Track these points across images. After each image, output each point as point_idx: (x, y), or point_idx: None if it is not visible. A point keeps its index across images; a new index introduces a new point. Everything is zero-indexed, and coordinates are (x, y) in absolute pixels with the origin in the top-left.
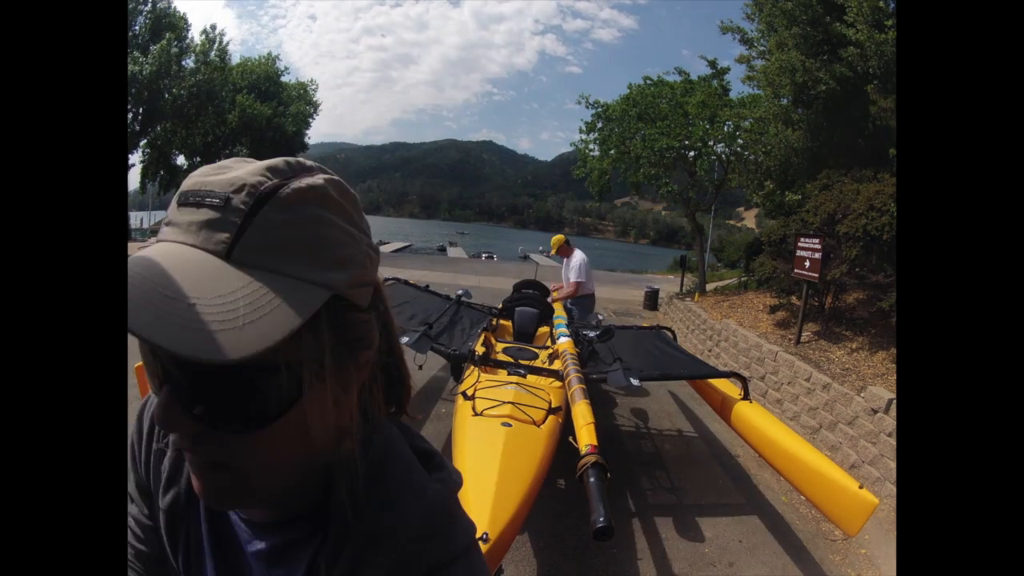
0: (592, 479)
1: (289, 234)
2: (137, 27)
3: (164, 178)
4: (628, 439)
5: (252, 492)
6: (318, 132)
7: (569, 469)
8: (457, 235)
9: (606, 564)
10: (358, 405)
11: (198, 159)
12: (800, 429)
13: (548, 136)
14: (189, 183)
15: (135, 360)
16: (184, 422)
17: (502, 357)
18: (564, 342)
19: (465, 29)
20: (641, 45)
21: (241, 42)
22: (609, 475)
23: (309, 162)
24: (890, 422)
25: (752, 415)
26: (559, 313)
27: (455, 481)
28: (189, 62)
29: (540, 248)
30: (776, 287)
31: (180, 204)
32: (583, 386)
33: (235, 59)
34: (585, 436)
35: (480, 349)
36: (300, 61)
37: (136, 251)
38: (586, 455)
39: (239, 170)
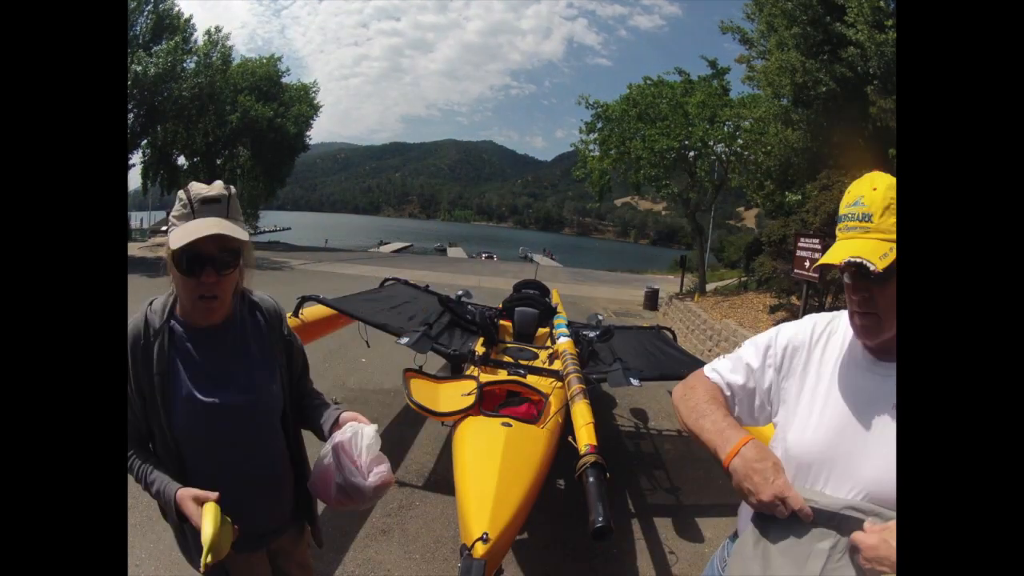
0: (591, 479)
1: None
2: (138, 27)
3: (165, 178)
4: (628, 439)
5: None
6: (321, 130)
7: (569, 469)
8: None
9: (606, 564)
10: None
11: (198, 159)
12: None
13: (563, 134)
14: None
15: None
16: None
17: (502, 357)
18: (564, 342)
19: (491, 10)
20: (685, 36)
21: (242, 25)
22: (609, 475)
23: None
24: None
25: None
26: (560, 313)
27: None
28: (191, 63)
29: (543, 249)
30: (776, 287)
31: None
32: (583, 386)
33: (234, 41)
34: (584, 436)
35: (480, 349)
36: (305, 48)
37: (136, 251)
38: (585, 455)
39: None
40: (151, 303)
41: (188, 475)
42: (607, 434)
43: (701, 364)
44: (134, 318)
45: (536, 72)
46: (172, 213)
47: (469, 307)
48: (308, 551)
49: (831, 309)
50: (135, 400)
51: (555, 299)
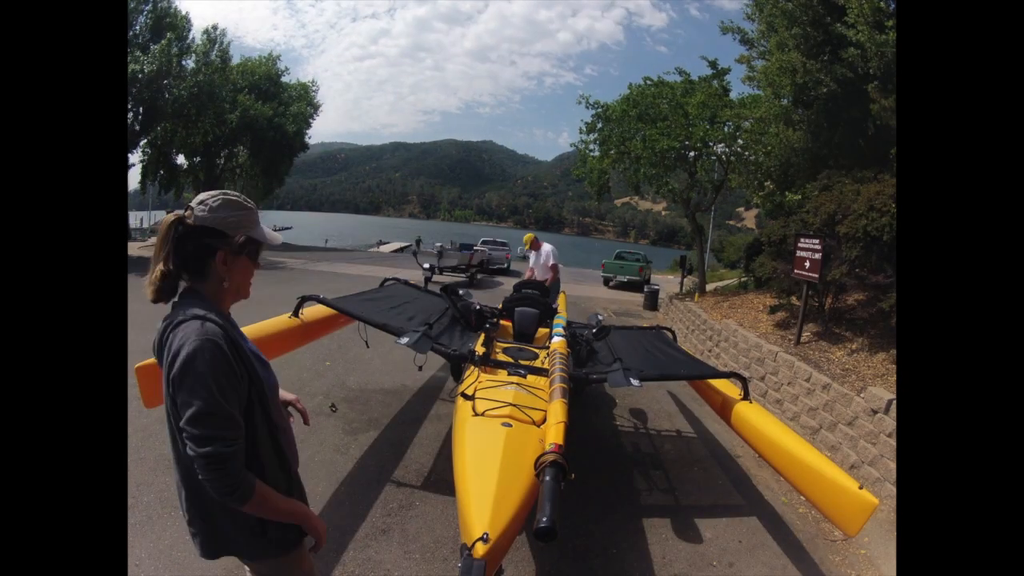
0: (547, 478)
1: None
2: (138, 26)
3: (164, 178)
4: (627, 439)
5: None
6: (326, 130)
7: (570, 469)
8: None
9: (605, 564)
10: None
11: (198, 159)
12: (800, 429)
13: None
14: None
15: (135, 360)
16: None
17: (502, 357)
18: (557, 342)
19: None
20: None
21: None
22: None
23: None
24: (890, 423)
25: (752, 415)
26: (560, 313)
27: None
28: (190, 62)
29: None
30: (776, 287)
31: None
32: (564, 386)
33: (231, 16)
34: (552, 434)
35: (480, 349)
36: (314, 21)
37: (136, 250)
38: (547, 453)
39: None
40: (202, 316)
41: (285, 466)
42: (606, 434)
43: (701, 364)
44: (209, 326)
45: (581, 57)
46: (236, 214)
47: (471, 303)
48: None
49: (831, 310)
50: (244, 405)
51: (561, 304)
